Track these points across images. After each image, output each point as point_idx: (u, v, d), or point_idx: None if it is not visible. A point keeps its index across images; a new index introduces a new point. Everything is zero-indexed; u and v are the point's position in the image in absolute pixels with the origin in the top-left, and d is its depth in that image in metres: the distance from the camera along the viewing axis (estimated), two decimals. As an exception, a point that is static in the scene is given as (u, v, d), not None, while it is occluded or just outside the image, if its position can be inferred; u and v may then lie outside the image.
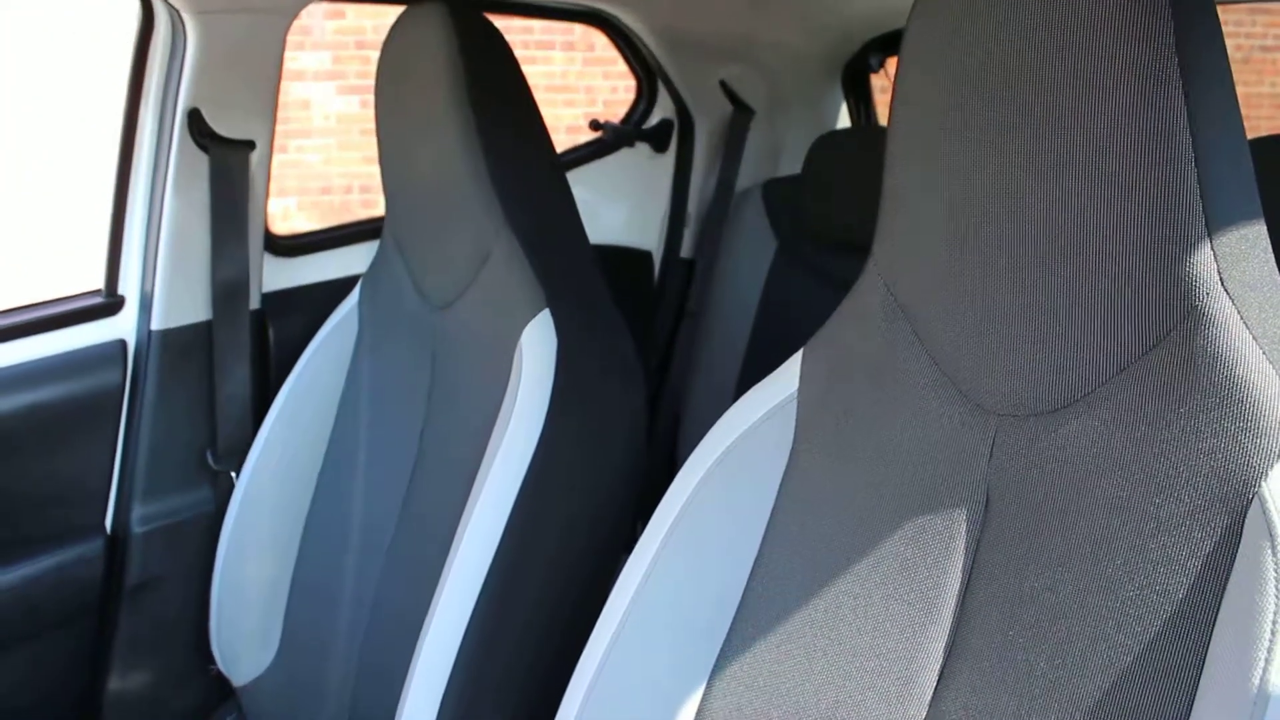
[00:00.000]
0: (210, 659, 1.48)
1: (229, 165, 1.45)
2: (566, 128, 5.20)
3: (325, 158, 5.25)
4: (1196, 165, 0.70)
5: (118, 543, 1.47)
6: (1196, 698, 0.68)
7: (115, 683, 1.49)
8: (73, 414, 1.42)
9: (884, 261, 0.89)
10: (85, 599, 1.46)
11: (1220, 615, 0.68)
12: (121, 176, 1.44)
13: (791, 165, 2.07)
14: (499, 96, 1.23)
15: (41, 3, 4.98)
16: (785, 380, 0.95)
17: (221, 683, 1.49)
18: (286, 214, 5.27)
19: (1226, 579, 0.68)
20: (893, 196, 0.87)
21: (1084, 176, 0.72)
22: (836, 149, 1.85)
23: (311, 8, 1.41)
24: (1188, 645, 0.69)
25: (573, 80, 5.43)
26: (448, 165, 1.23)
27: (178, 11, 1.33)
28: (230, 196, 1.45)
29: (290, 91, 5.04)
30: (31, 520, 1.41)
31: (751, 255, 1.95)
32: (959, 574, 0.81)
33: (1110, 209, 0.72)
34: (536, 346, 1.13)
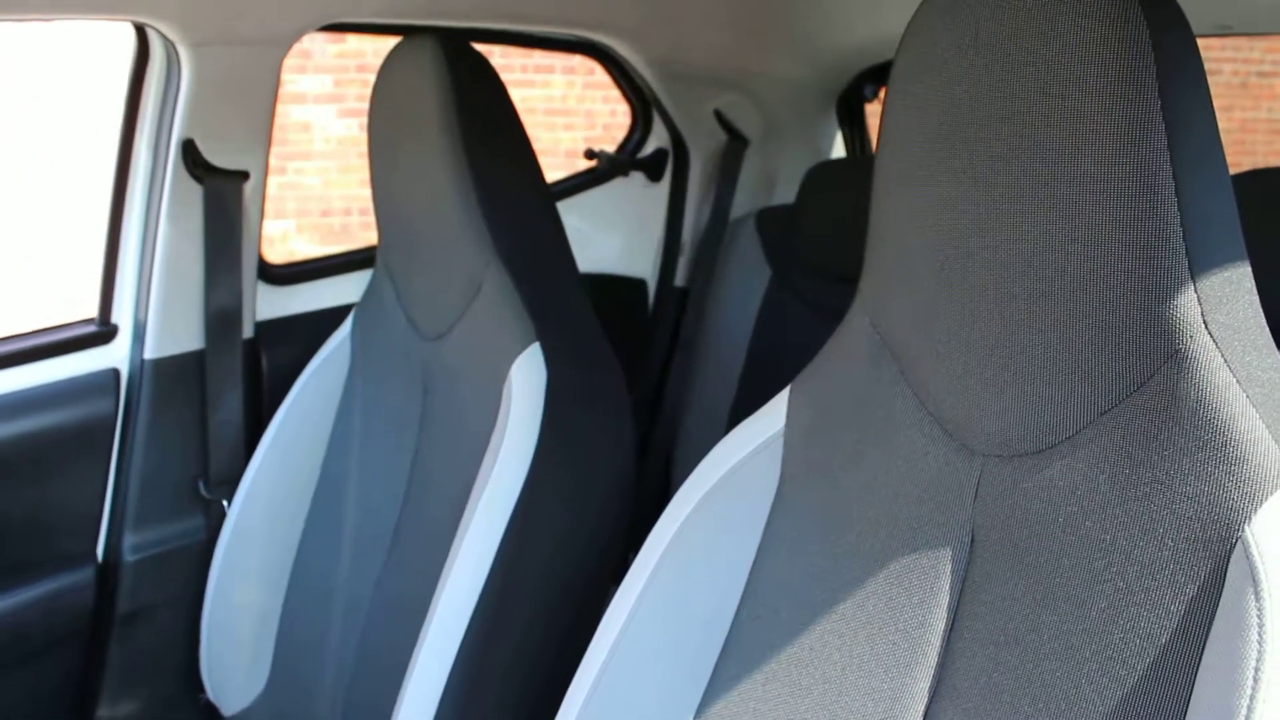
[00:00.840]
0: (200, 688, 1.47)
1: (223, 195, 1.45)
2: (565, 152, 5.22)
3: (325, 180, 5.27)
4: (1179, 207, 0.70)
5: (109, 571, 1.47)
6: None
7: (105, 710, 1.49)
8: (65, 442, 1.42)
9: (870, 298, 0.89)
10: (76, 626, 1.46)
11: (1203, 660, 0.68)
12: (116, 206, 1.45)
13: (786, 195, 2.08)
14: (489, 128, 1.24)
15: (39, 34, 5.01)
16: (772, 416, 0.95)
17: (211, 712, 1.48)
18: (286, 236, 5.28)
19: (1210, 624, 0.68)
20: (878, 232, 0.87)
21: (1067, 217, 0.73)
22: (830, 179, 1.86)
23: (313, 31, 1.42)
24: (1171, 691, 0.69)
25: (573, 104, 5.46)
26: (438, 197, 1.23)
27: (173, 44, 1.33)
28: (224, 226, 1.46)
29: (291, 114, 5.07)
30: (23, 547, 1.41)
31: (745, 285, 1.95)
32: (944, 614, 0.81)
33: (1093, 250, 0.72)
34: (526, 380, 1.13)
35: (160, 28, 1.31)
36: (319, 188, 5.26)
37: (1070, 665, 0.73)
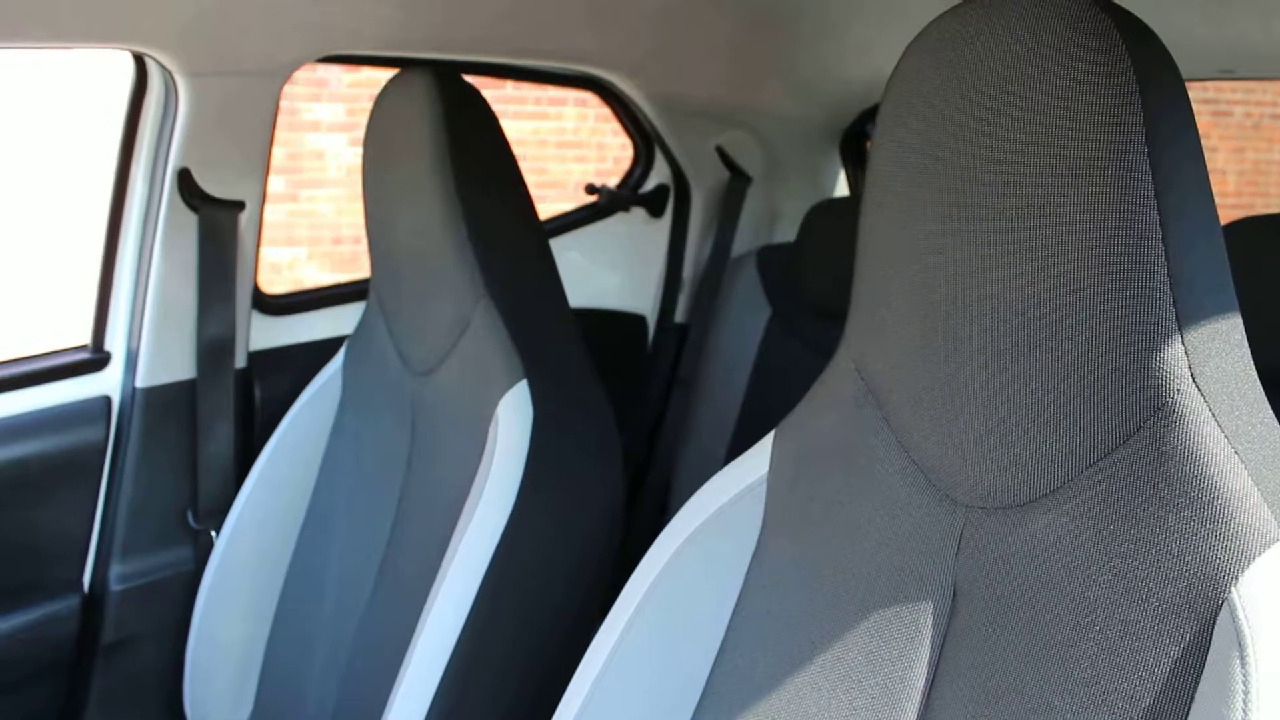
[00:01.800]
0: (184, 719, 1.46)
1: (219, 225, 1.45)
2: (576, 184, 5.22)
3: (337, 208, 5.29)
4: (1167, 258, 0.69)
5: (95, 600, 1.46)
6: None
7: None
8: (54, 469, 1.42)
9: (856, 344, 0.88)
10: (60, 655, 1.44)
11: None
12: (111, 233, 1.45)
13: (787, 233, 2.07)
14: (482, 162, 1.23)
15: (36, 62, 5.05)
16: (757, 460, 0.94)
17: None
18: (295, 263, 5.30)
19: (1194, 688, 0.66)
20: (864, 274, 0.86)
21: (1053, 266, 0.71)
22: (832, 217, 1.85)
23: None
24: None
25: (585, 136, 5.47)
26: (429, 231, 1.22)
27: (171, 73, 1.34)
28: (219, 256, 1.45)
29: (305, 142, 5.09)
30: (8, 574, 1.40)
31: (745, 322, 1.94)
32: (924, 669, 0.79)
33: (1079, 300, 0.71)
34: (512, 418, 1.12)
35: (159, 57, 1.31)
36: (331, 215, 5.27)
37: None
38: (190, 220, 1.43)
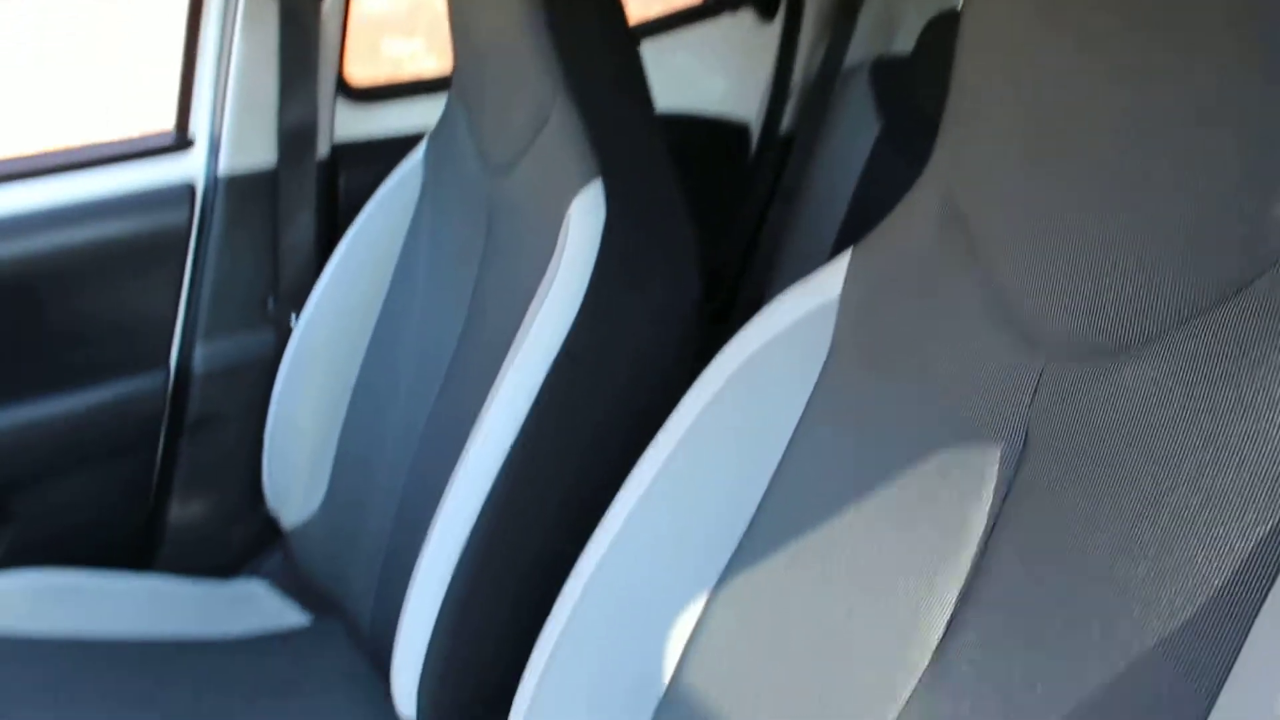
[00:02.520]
0: (262, 499, 1.50)
1: (299, 9, 1.40)
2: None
3: None
4: None
5: (180, 378, 1.50)
6: (1222, 692, 0.61)
7: (170, 515, 1.53)
8: (139, 251, 1.43)
9: (947, 163, 0.80)
10: (146, 430, 1.49)
11: (1264, 609, 0.60)
12: (193, 15, 1.41)
13: (904, 44, 1.93)
14: None
15: None
16: (829, 282, 0.88)
17: (271, 523, 1.51)
18: (415, 56, 5.22)
19: (1276, 573, 0.60)
20: (963, 92, 0.77)
21: (1173, 92, 0.62)
22: (951, 31, 1.70)
23: None
24: (1222, 635, 0.62)
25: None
26: (510, 22, 1.15)
27: None
28: (300, 41, 1.41)
29: (424, -70, 4.93)
30: (98, 350, 1.44)
31: (853, 136, 1.83)
32: (984, 517, 0.75)
33: (1199, 131, 0.62)
34: (583, 218, 1.07)
35: None
36: (449, 6, 5.15)
37: (1112, 593, 0.66)
38: (271, 4, 1.39)
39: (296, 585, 1.49)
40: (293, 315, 1.50)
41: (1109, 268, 0.68)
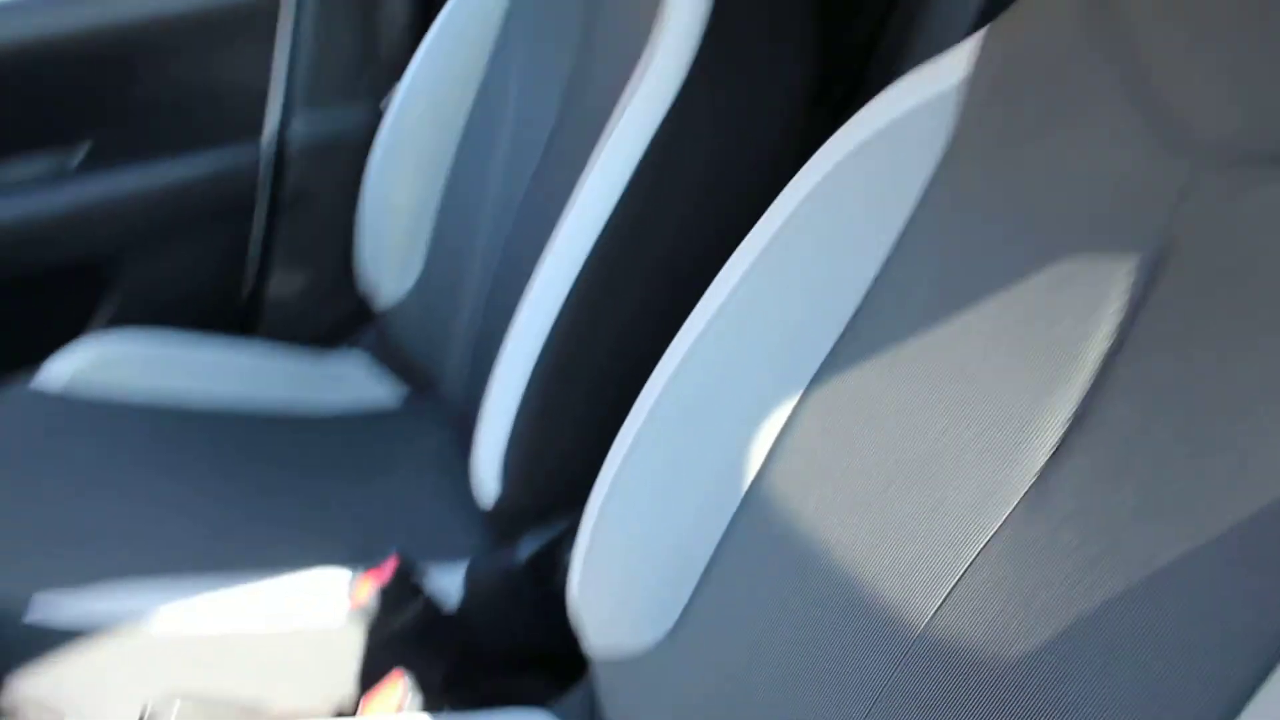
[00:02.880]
0: (355, 279, 1.49)
1: None
2: None
3: None
4: None
5: (277, 151, 1.47)
6: None
7: (269, 288, 1.54)
8: (236, 20, 1.41)
9: None
10: (243, 202, 1.48)
11: None
12: None
13: None
14: None
15: None
16: (955, 64, 0.78)
17: (364, 301, 1.51)
18: None
19: None
20: None
21: None
22: None
23: None
24: None
25: None
26: None
27: None
28: None
29: None
30: (195, 120, 1.43)
31: (999, -97, 1.65)
32: (1106, 337, 0.67)
33: None
34: None
35: None
36: None
37: (1245, 431, 0.58)
38: None
39: (392, 362, 1.49)
40: (389, 93, 1.45)
41: (1278, 56, 0.58)
